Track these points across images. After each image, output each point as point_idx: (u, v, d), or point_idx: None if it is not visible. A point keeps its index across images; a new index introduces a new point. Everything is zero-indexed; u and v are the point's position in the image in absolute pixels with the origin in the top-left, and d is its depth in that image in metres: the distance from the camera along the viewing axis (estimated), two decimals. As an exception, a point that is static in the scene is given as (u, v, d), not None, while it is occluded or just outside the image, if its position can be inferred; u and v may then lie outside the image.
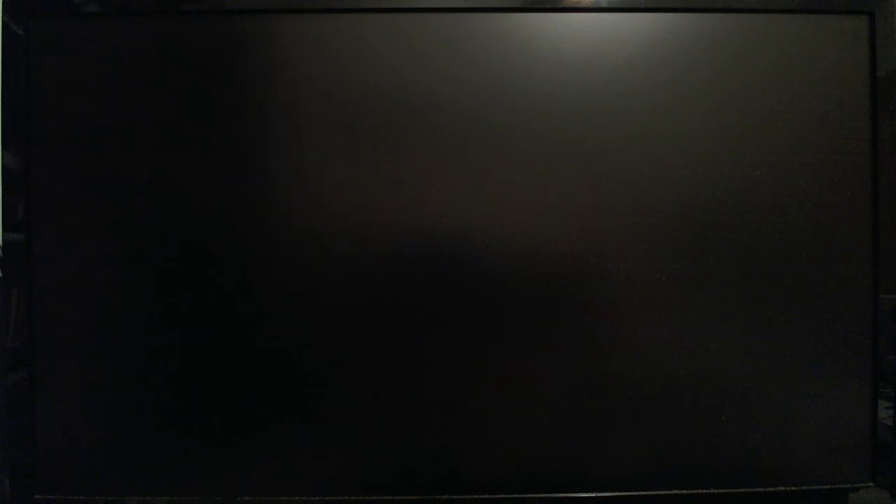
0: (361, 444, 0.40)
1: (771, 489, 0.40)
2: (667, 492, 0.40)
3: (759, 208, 0.40)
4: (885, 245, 0.40)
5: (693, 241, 0.40)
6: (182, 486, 0.40)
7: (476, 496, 0.40)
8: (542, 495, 0.40)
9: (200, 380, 0.40)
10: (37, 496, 0.40)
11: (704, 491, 0.40)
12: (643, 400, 0.40)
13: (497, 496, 0.40)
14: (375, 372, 0.40)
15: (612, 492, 0.40)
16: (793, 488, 0.40)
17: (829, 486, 0.41)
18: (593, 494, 0.40)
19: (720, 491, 0.40)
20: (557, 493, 0.40)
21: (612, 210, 0.40)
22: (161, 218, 0.39)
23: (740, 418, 0.40)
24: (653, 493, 0.40)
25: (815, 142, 0.40)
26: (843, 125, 0.40)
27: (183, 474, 0.40)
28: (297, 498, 0.40)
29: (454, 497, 0.40)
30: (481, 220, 0.39)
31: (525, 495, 0.40)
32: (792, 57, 0.40)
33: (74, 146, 0.39)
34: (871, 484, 0.41)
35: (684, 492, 0.40)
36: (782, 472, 0.41)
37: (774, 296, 0.40)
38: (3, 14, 0.39)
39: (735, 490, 0.40)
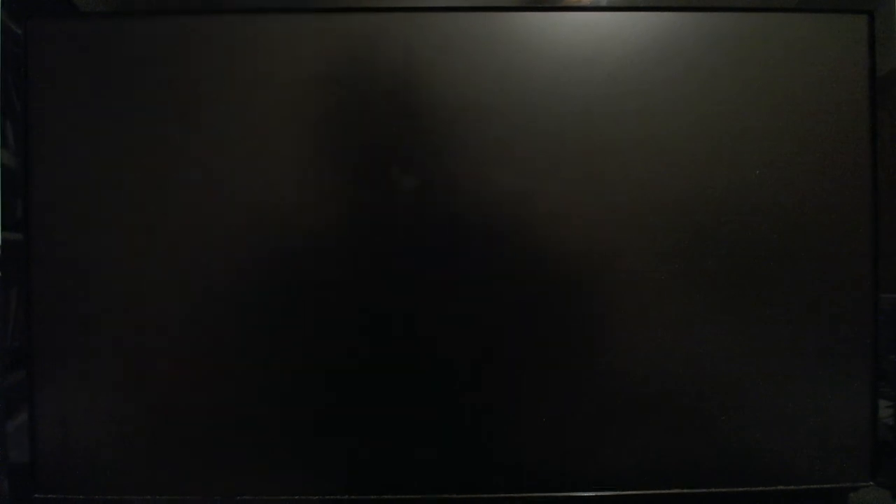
0: (361, 444, 0.40)
1: (771, 488, 0.40)
2: (667, 491, 0.40)
3: (758, 208, 0.40)
4: (885, 244, 0.40)
5: (692, 241, 0.40)
6: (182, 485, 0.40)
7: (476, 496, 0.40)
8: (542, 494, 0.40)
9: (200, 379, 0.40)
10: (36, 495, 0.40)
11: (704, 490, 0.40)
12: (643, 399, 0.40)
13: (497, 496, 0.40)
14: (375, 371, 0.40)
15: (612, 491, 0.40)
16: (793, 487, 0.41)
17: (829, 486, 0.41)
18: (593, 494, 0.40)
19: (720, 490, 0.40)
20: (557, 492, 0.40)
21: (611, 209, 0.40)
22: (160, 217, 0.39)
23: (740, 418, 0.40)
24: (653, 492, 0.40)
25: (815, 141, 0.40)
26: (842, 125, 0.40)
27: (182, 473, 0.40)
28: (297, 497, 0.40)
29: (454, 497, 0.40)
30: (480, 219, 0.39)
31: (525, 495, 0.40)
32: (791, 56, 0.40)
33: (73, 145, 0.39)
34: (871, 483, 0.41)
35: (684, 491, 0.40)
36: (782, 472, 0.41)
37: (775, 295, 0.40)
38: (1, 13, 0.39)
39: (735, 489, 0.40)
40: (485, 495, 0.40)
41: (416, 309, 0.40)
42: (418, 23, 0.39)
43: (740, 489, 0.40)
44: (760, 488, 0.40)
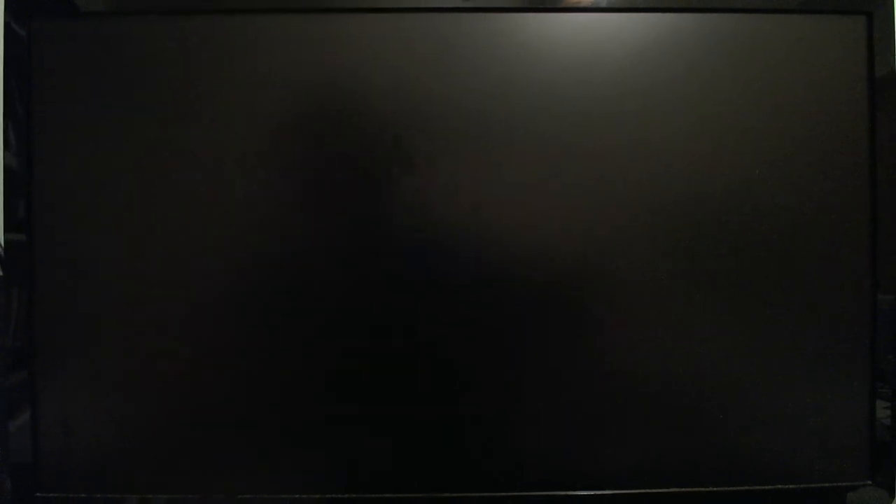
0: (361, 444, 0.40)
1: (770, 487, 0.41)
2: (667, 490, 0.40)
3: (758, 208, 0.40)
4: (883, 245, 0.40)
5: (692, 241, 0.40)
6: (182, 484, 0.40)
7: (476, 495, 0.40)
8: (542, 493, 0.40)
9: (201, 379, 0.40)
10: (38, 494, 0.40)
11: (704, 489, 0.40)
12: (643, 399, 0.40)
13: (497, 495, 0.40)
14: (374, 371, 0.40)
15: (612, 490, 0.40)
16: (791, 487, 0.41)
17: (827, 485, 0.41)
18: (593, 492, 0.40)
19: (720, 489, 0.40)
20: (557, 491, 0.40)
21: (611, 210, 0.40)
22: (161, 217, 0.39)
23: (740, 418, 0.40)
24: (652, 491, 0.40)
25: (814, 142, 0.40)
26: (841, 125, 0.40)
27: (182, 473, 0.40)
28: (297, 497, 0.40)
29: (454, 496, 0.40)
30: (480, 219, 0.40)
31: (524, 494, 0.40)
32: (790, 57, 0.40)
33: (76, 146, 0.39)
34: (869, 482, 0.41)
35: (684, 490, 0.40)
36: (781, 471, 0.41)
37: (775, 295, 0.40)
38: (5, 14, 0.39)
39: (734, 488, 0.40)
40: (485, 495, 0.40)
41: (416, 309, 0.40)
42: (418, 23, 0.39)
43: (740, 489, 0.40)
44: (760, 488, 0.40)
